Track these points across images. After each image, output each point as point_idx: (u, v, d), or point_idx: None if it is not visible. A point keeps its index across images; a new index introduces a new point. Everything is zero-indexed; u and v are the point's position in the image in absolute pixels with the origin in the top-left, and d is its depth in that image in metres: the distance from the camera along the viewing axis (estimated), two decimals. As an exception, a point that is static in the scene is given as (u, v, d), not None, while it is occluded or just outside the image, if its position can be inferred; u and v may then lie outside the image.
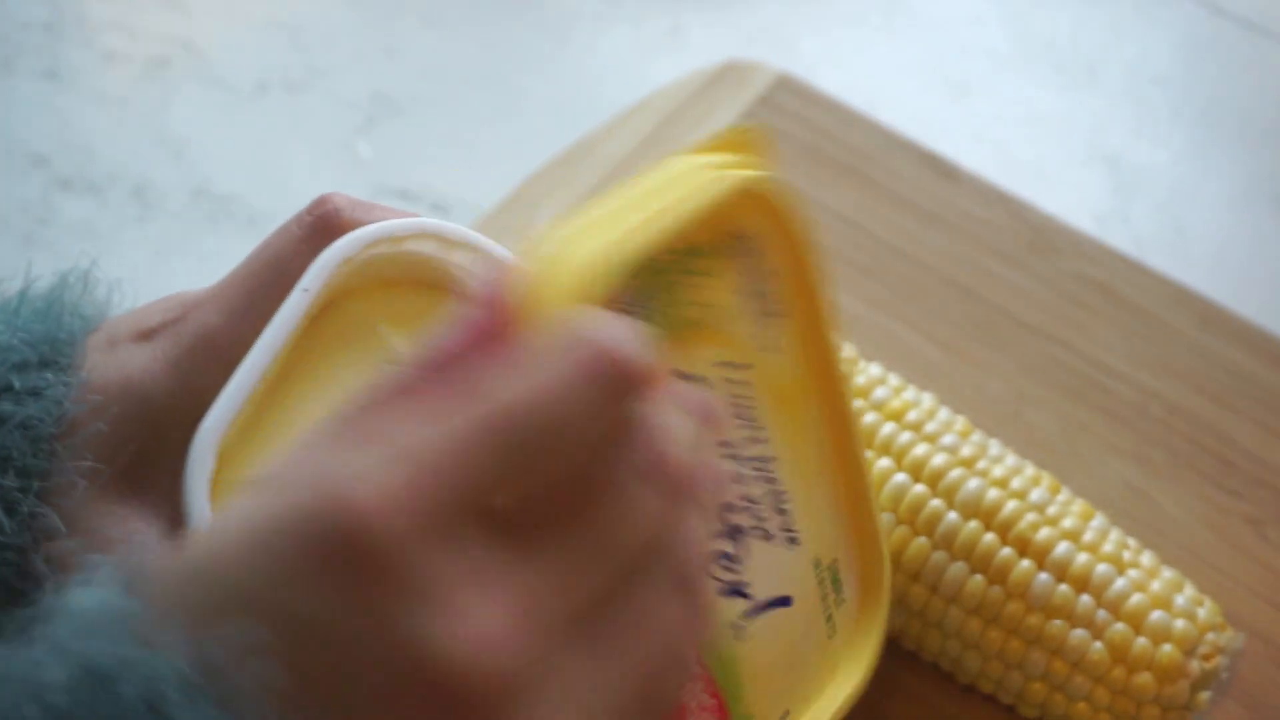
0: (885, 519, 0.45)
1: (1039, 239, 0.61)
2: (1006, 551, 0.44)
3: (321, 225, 0.37)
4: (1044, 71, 0.73)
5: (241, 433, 0.35)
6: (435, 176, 0.66)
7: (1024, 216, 0.62)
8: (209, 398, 0.35)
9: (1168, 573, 0.46)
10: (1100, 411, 0.56)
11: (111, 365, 0.36)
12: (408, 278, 0.39)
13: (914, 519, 0.45)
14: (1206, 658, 0.44)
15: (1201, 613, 0.44)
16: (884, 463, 0.45)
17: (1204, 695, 0.44)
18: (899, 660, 0.49)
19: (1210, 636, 0.44)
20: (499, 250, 0.38)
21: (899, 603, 0.46)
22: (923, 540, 0.45)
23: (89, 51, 0.70)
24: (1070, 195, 0.68)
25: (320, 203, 0.37)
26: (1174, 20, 0.76)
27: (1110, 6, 0.77)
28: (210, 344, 0.36)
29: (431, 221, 0.38)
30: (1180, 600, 0.44)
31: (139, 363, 0.36)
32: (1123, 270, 0.60)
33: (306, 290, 0.35)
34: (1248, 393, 0.57)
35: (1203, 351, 0.58)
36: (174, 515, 0.35)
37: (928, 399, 0.48)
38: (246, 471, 0.35)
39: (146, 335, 0.36)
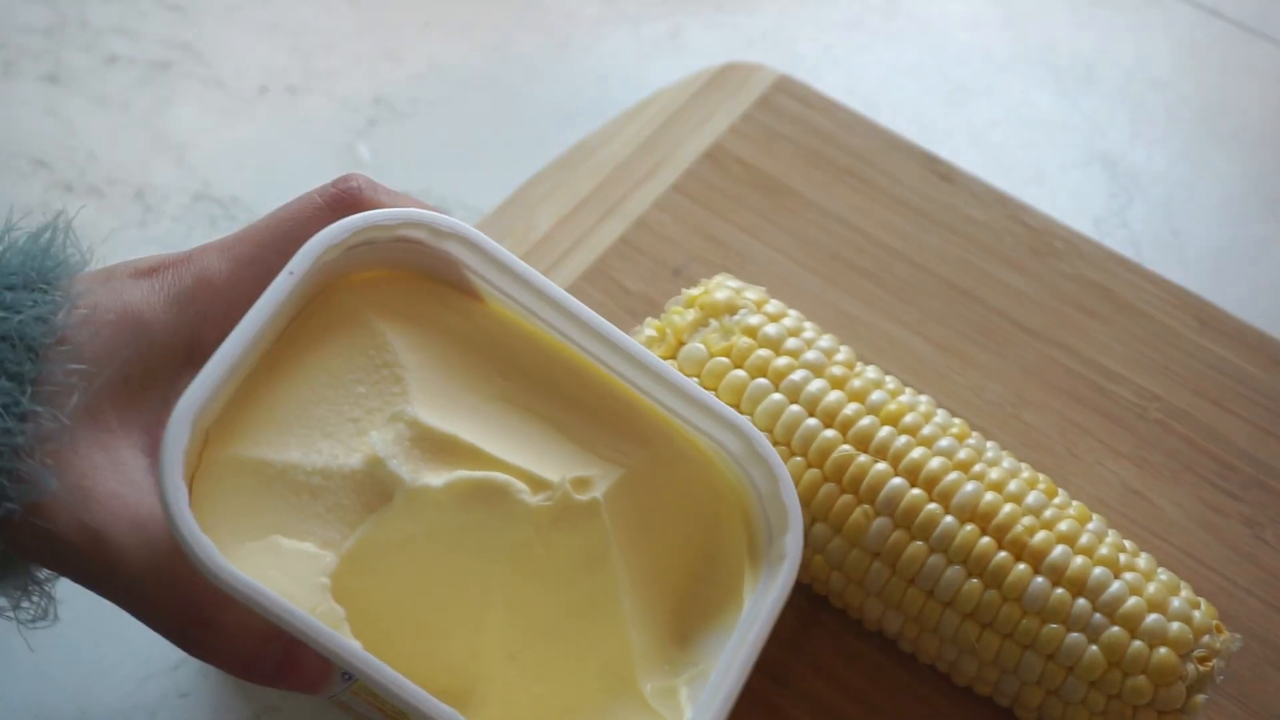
0: (881, 522, 0.45)
1: (1037, 241, 0.61)
2: (1002, 555, 0.44)
3: (342, 199, 0.38)
4: (1043, 74, 0.74)
5: (227, 413, 0.36)
6: (436, 179, 0.67)
7: (1022, 218, 0.62)
8: (204, 337, 0.36)
9: (1164, 575, 0.46)
10: (1098, 413, 0.56)
11: (108, 294, 0.36)
12: (400, 266, 0.39)
13: (910, 523, 0.45)
14: (1202, 660, 0.44)
15: (1197, 615, 0.45)
16: (880, 467, 0.46)
17: (1199, 698, 0.44)
18: (897, 660, 0.49)
19: (1206, 639, 0.44)
20: (489, 242, 0.39)
21: (897, 606, 0.46)
22: (919, 544, 0.45)
23: (90, 55, 0.70)
24: (1069, 197, 0.68)
25: (345, 179, 0.38)
26: (1172, 23, 0.76)
27: (1108, 10, 0.77)
28: (211, 285, 0.36)
29: (422, 212, 0.38)
30: (1176, 603, 0.45)
31: (137, 294, 0.36)
32: (1121, 272, 0.60)
33: (292, 273, 0.35)
34: (1245, 395, 0.57)
35: (1201, 353, 0.58)
36: (151, 446, 0.35)
37: (925, 401, 0.48)
38: (232, 451, 0.35)
39: (147, 272, 0.36)
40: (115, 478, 0.34)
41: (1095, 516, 0.47)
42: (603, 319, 0.40)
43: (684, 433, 0.41)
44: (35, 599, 0.35)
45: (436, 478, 0.37)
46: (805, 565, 0.48)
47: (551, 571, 0.38)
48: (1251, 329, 0.59)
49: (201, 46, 0.71)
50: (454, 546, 0.37)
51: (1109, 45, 0.75)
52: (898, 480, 0.45)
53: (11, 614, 0.36)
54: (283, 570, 0.34)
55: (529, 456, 0.38)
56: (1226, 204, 0.68)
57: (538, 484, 0.38)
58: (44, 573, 0.36)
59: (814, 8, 0.76)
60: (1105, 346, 0.58)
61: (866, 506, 0.45)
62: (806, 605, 0.50)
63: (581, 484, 0.39)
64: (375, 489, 0.36)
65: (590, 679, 0.39)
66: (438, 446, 0.37)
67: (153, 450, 0.35)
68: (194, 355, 0.36)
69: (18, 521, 0.32)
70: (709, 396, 0.41)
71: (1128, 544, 0.46)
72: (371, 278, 0.39)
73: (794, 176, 0.62)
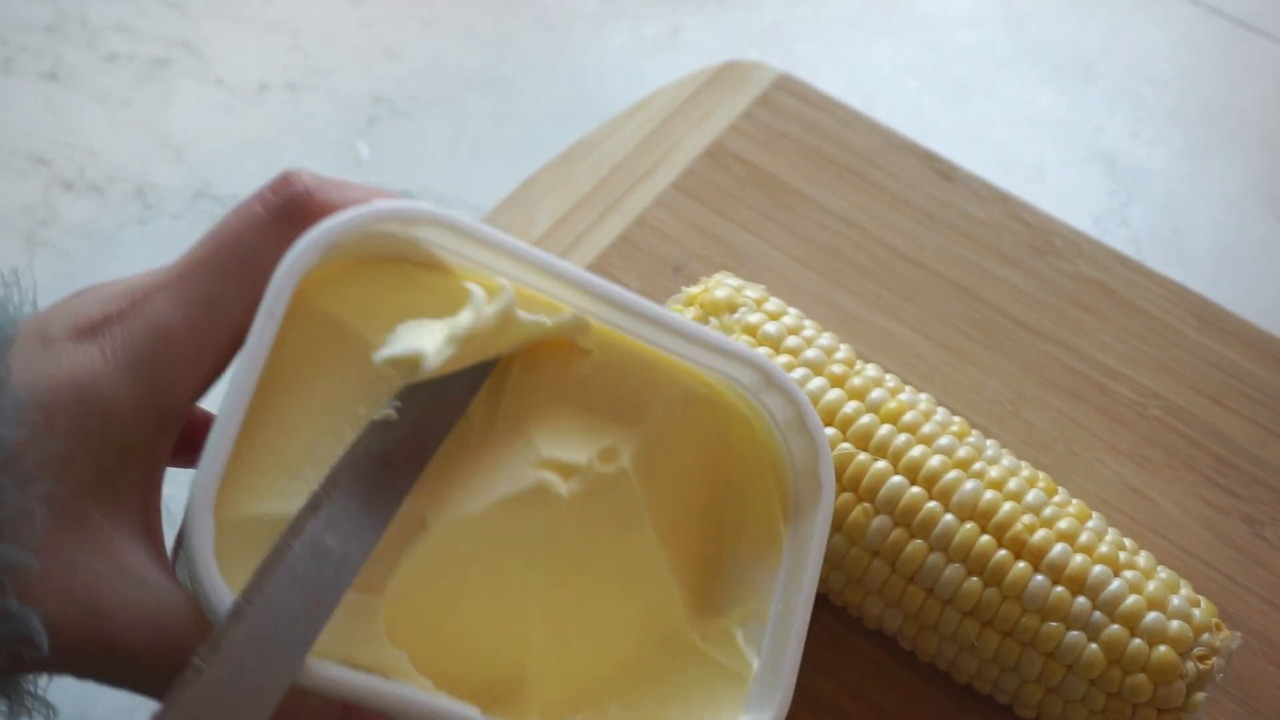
0: (881, 520, 0.45)
1: (1037, 239, 0.61)
2: (1002, 553, 0.44)
3: (289, 208, 0.34)
4: (1043, 72, 0.73)
5: (230, 471, 0.32)
6: (436, 177, 0.67)
7: (1023, 216, 0.62)
8: (174, 399, 0.32)
9: (1164, 573, 0.46)
10: (1098, 411, 0.56)
11: (52, 368, 0.31)
12: (367, 257, 0.36)
13: (910, 521, 0.45)
14: (1202, 659, 0.44)
15: (1197, 613, 0.45)
16: (880, 464, 0.46)
17: (1199, 696, 0.44)
18: (897, 658, 0.49)
19: (1206, 637, 0.44)
20: (458, 219, 0.36)
21: (896, 604, 0.46)
22: (919, 542, 0.45)
23: (90, 53, 0.70)
24: (1069, 195, 0.68)
25: (285, 181, 0.34)
26: (1172, 21, 0.76)
27: (1109, 8, 0.77)
28: (169, 340, 0.32)
29: (390, 204, 0.35)
30: (1176, 601, 0.45)
31: (86, 364, 0.31)
32: (1121, 270, 0.60)
33: (272, 314, 0.32)
34: (1246, 392, 0.57)
35: (1201, 351, 0.58)
36: (148, 529, 0.32)
37: (925, 399, 0.48)
38: (246, 511, 0.33)
39: (89, 331, 0.32)
40: (124, 585, 0.31)
41: (1095, 514, 0.47)
42: (590, 273, 0.38)
43: (694, 373, 0.40)
44: (29, 701, 0.32)
45: (469, 502, 0.36)
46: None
47: (586, 543, 0.38)
48: (1251, 326, 0.59)
49: (201, 44, 0.71)
50: (492, 554, 0.36)
51: (1109, 43, 0.75)
52: (897, 478, 0.45)
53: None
54: (334, 630, 0.32)
55: (547, 438, 0.37)
56: (1226, 202, 0.68)
57: (566, 470, 0.37)
58: (39, 682, 0.32)
59: (814, 6, 0.76)
60: (1105, 344, 0.58)
61: (866, 505, 0.45)
62: (806, 603, 0.50)
63: (607, 455, 0.38)
64: (404, 518, 0.35)
65: (639, 636, 0.38)
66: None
67: (150, 533, 0.32)
68: (167, 418, 0.32)
69: (40, 653, 0.29)
70: (715, 334, 0.39)
71: (1128, 542, 0.46)
72: (338, 272, 0.36)
73: (794, 174, 0.62)
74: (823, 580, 0.48)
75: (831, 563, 0.47)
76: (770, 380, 0.39)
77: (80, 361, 0.31)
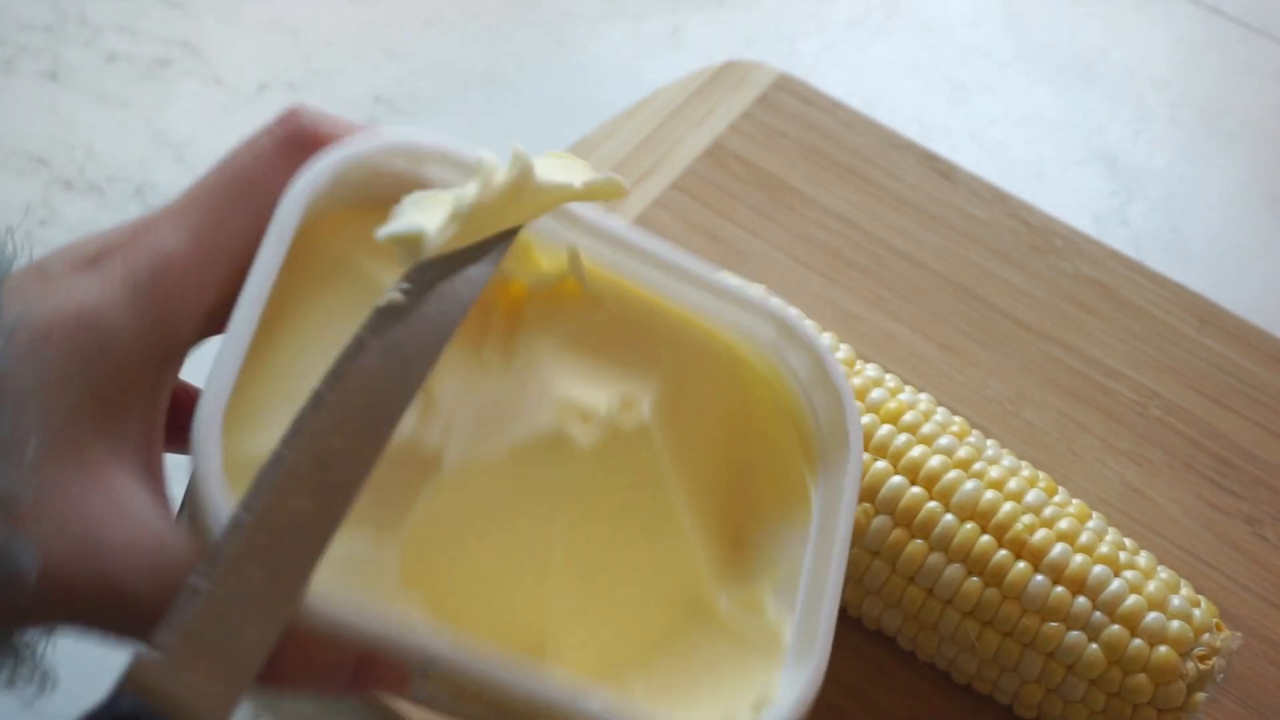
0: (881, 520, 0.45)
1: (1038, 239, 0.61)
2: (1002, 553, 0.44)
3: (294, 139, 0.33)
4: (1043, 72, 0.73)
5: (235, 405, 0.30)
6: (435, 177, 0.67)
7: (1023, 216, 0.62)
8: (176, 328, 0.31)
9: (1164, 573, 0.46)
10: (1098, 411, 0.56)
11: (51, 299, 0.29)
12: (380, 198, 0.34)
13: (910, 521, 0.45)
14: (1202, 659, 0.44)
15: (1198, 613, 0.45)
16: (880, 465, 0.46)
17: (1200, 696, 0.44)
18: (897, 658, 0.49)
19: (1206, 637, 0.44)
20: (474, 154, 0.34)
21: (896, 604, 0.46)
22: (919, 542, 0.45)
23: (90, 52, 0.70)
24: (1069, 195, 0.68)
25: (291, 116, 0.33)
26: (1172, 21, 0.76)
27: (1109, 7, 0.77)
28: (172, 267, 0.31)
29: (400, 137, 0.34)
30: (1176, 601, 0.45)
31: (87, 293, 0.30)
32: (1121, 270, 0.60)
33: (280, 238, 0.31)
34: (1246, 392, 0.57)
35: (1201, 351, 0.58)
36: (150, 471, 0.31)
37: (925, 399, 0.48)
38: (253, 447, 0.31)
39: (89, 263, 0.30)
40: (123, 523, 0.29)
41: (1095, 514, 0.47)
42: (609, 217, 0.36)
43: (711, 332, 0.38)
44: (25, 668, 0.30)
45: (484, 441, 0.34)
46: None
47: (606, 503, 0.36)
48: (1251, 326, 0.59)
49: (201, 44, 0.71)
50: (510, 504, 0.34)
51: (1109, 43, 0.75)
52: (897, 478, 0.45)
53: (6, 687, 0.30)
54: (344, 570, 0.31)
55: (563, 379, 0.35)
56: (1227, 202, 0.68)
57: (585, 414, 0.35)
58: (30, 638, 0.31)
59: (814, 5, 0.76)
60: (1105, 344, 0.58)
61: (866, 505, 0.45)
62: (806, 603, 0.50)
63: (626, 403, 0.36)
64: (420, 456, 0.33)
65: (664, 608, 0.36)
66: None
67: (151, 471, 0.31)
68: (169, 352, 0.31)
69: (31, 589, 0.28)
70: (731, 281, 0.37)
71: (1128, 542, 0.46)
72: (353, 214, 0.34)
73: (794, 174, 0.62)
74: (823, 580, 0.48)
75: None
76: (790, 334, 0.37)
77: (78, 291, 0.30)
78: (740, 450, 0.38)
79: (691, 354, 0.38)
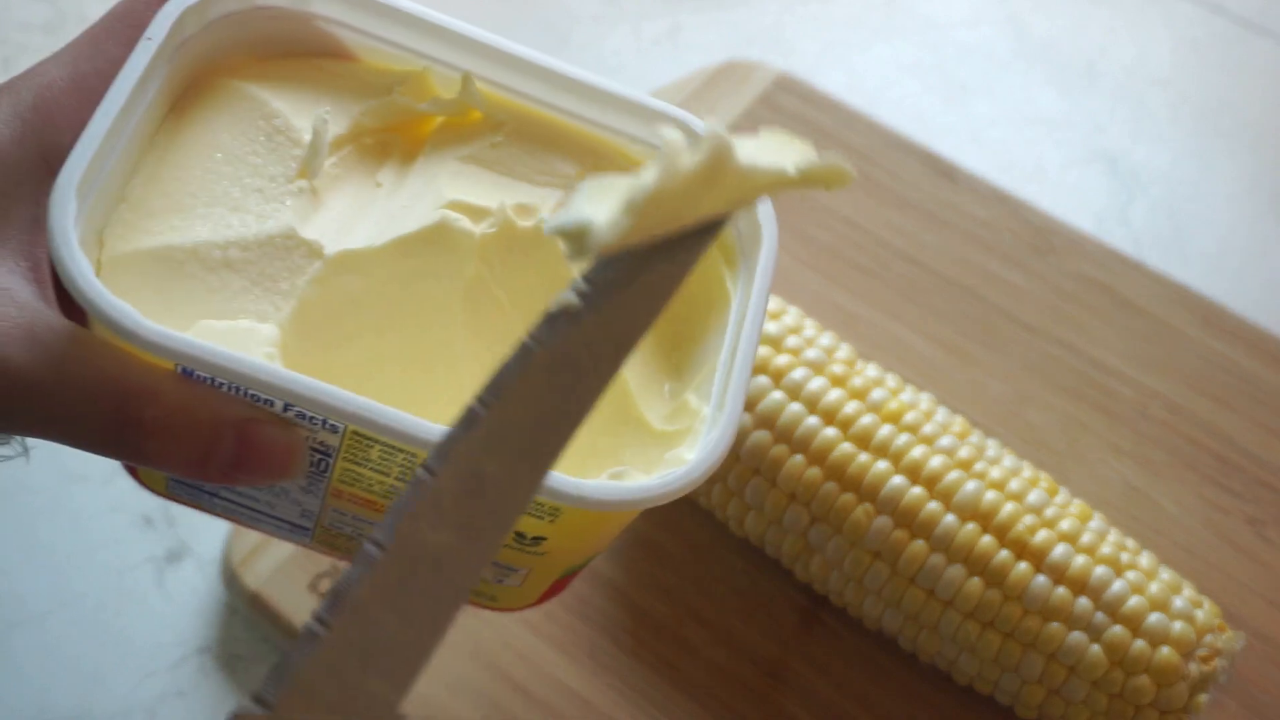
0: (882, 521, 0.45)
1: (1039, 239, 0.61)
2: (1004, 554, 0.44)
3: None
4: (1044, 72, 0.73)
5: (118, 209, 0.33)
6: (435, 177, 0.66)
7: (1024, 216, 0.62)
8: (58, 141, 0.33)
9: (1166, 573, 0.46)
10: (1100, 411, 0.56)
11: None
12: (269, 47, 0.37)
13: (911, 522, 0.45)
14: (1205, 660, 0.44)
15: (1200, 614, 0.44)
16: (881, 465, 0.45)
17: (1202, 697, 0.44)
18: (897, 659, 0.49)
19: (1208, 639, 0.44)
20: None
21: (897, 605, 0.46)
22: (920, 543, 0.45)
23: (89, 53, 0.70)
24: (1070, 195, 0.68)
25: None
26: (1173, 20, 0.76)
27: (1109, 7, 0.77)
28: (53, 89, 0.34)
29: None
30: (1179, 602, 0.44)
31: None
32: (1122, 270, 0.60)
33: (150, 39, 0.33)
34: (1247, 392, 0.57)
35: (1203, 351, 0.58)
36: (35, 275, 0.33)
37: (926, 399, 0.48)
38: (132, 246, 0.33)
39: None
40: (6, 310, 0.31)
41: (1097, 515, 0.47)
42: (502, 38, 0.37)
43: (611, 143, 0.38)
44: None
45: (372, 240, 0.35)
46: (805, 565, 0.48)
47: (513, 300, 0.36)
48: (1253, 326, 0.59)
49: (200, 44, 0.71)
50: (402, 297, 0.34)
51: (1110, 43, 0.75)
52: (898, 479, 0.45)
53: None
54: (225, 339, 0.32)
55: (455, 188, 0.36)
56: (1228, 201, 0.68)
57: (475, 212, 0.35)
58: None
59: (814, 5, 0.76)
60: (1106, 344, 0.58)
61: (867, 505, 0.45)
62: (807, 604, 0.50)
63: (523, 210, 0.36)
64: (302, 250, 0.34)
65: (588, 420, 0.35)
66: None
67: (35, 267, 0.33)
68: (52, 164, 0.33)
69: None
70: (632, 92, 0.37)
71: (1130, 542, 0.46)
72: (243, 63, 0.36)
73: (794, 174, 0.62)
74: (823, 581, 0.48)
75: (832, 563, 0.47)
76: (693, 135, 0.35)
77: None
78: None
79: (594, 168, 0.38)
